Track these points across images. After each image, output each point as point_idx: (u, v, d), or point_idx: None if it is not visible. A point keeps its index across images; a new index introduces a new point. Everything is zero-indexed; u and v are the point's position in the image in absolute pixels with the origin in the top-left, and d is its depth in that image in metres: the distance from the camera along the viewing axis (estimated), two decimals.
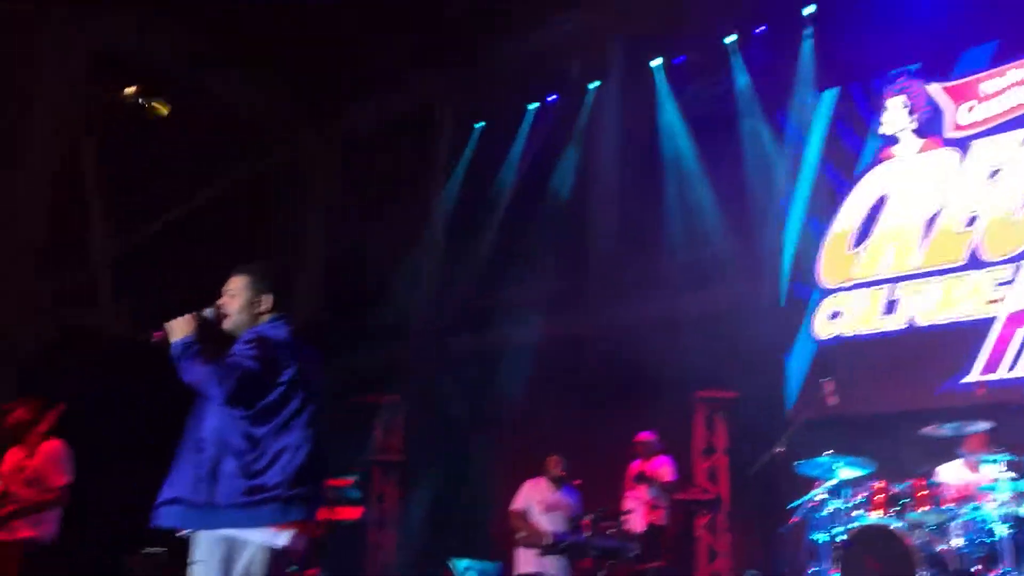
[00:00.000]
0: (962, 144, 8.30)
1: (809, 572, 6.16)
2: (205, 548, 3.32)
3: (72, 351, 10.36)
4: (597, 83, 10.96)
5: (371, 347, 11.74)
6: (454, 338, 11.64)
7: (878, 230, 8.61)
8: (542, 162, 11.30)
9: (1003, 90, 8.16)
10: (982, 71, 8.32)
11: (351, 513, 8.53)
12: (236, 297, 3.65)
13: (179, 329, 3.48)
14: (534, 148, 11.49)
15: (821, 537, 6.14)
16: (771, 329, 9.02)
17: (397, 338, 11.81)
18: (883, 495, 6.06)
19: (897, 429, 7.27)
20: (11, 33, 10.22)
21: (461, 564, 8.76)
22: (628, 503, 7.73)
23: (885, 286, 8.43)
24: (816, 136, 9.31)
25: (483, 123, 11.92)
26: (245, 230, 11.54)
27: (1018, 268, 7.70)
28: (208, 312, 3.60)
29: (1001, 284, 7.75)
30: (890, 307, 8.33)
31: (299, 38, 10.74)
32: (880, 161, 8.77)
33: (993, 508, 5.68)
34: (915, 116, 8.58)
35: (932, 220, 8.31)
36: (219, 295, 3.71)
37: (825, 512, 6.19)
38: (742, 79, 9.87)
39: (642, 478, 7.82)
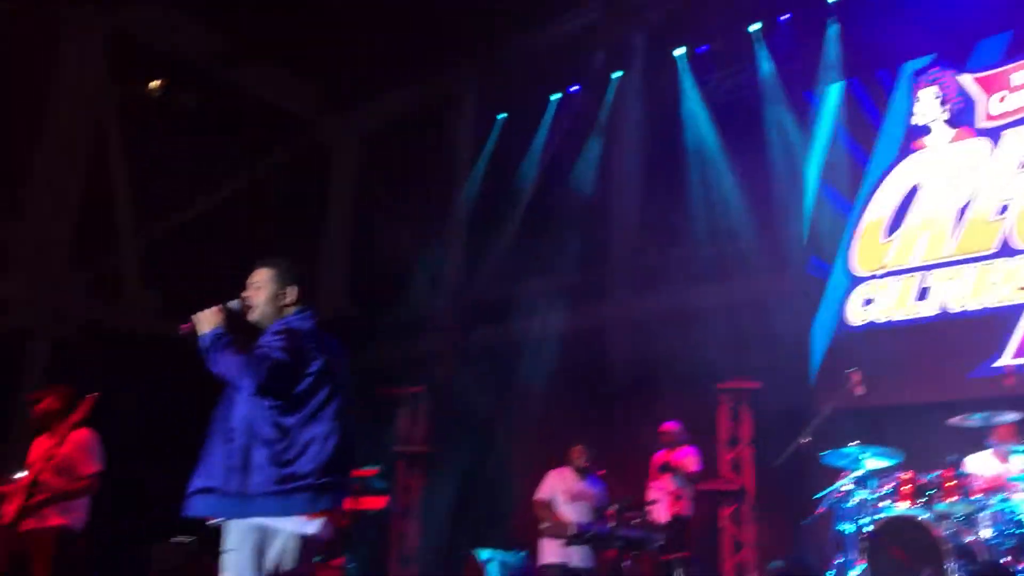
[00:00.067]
0: (994, 134, 8.28)
1: (835, 563, 6.12)
2: (237, 536, 3.35)
3: (101, 341, 10.47)
4: (620, 73, 10.91)
5: (394, 339, 11.78)
6: (477, 330, 11.65)
7: (911, 219, 8.60)
8: (564, 153, 11.27)
9: None
10: (1009, 62, 8.29)
11: (375, 503, 8.58)
12: (261, 289, 3.68)
13: (207, 321, 3.51)
14: (556, 139, 11.46)
15: (847, 528, 6.09)
16: (796, 319, 8.98)
17: (420, 330, 11.84)
18: (910, 486, 5.99)
19: (925, 419, 7.21)
20: (35, 27, 10.32)
21: (484, 554, 8.79)
22: (652, 493, 7.72)
23: (918, 274, 8.44)
24: (839, 122, 9.24)
25: (505, 114, 11.89)
26: (268, 223, 11.60)
27: None
28: (234, 304, 3.63)
29: None
30: (922, 294, 8.36)
31: (322, 30, 10.77)
32: (912, 151, 8.75)
33: (1022, 499, 5.63)
34: (947, 106, 8.58)
35: (964, 209, 8.31)
36: (244, 287, 3.74)
37: (851, 503, 6.13)
38: (766, 68, 9.80)
39: (667, 468, 7.81)
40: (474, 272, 11.86)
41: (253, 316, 3.67)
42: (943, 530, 5.62)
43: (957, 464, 6.03)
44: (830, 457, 6.31)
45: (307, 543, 3.38)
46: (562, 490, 6.84)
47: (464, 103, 12.40)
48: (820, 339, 8.90)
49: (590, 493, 6.85)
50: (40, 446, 5.60)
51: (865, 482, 6.18)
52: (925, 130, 8.71)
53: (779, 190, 9.58)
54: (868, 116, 9.11)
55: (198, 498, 3.42)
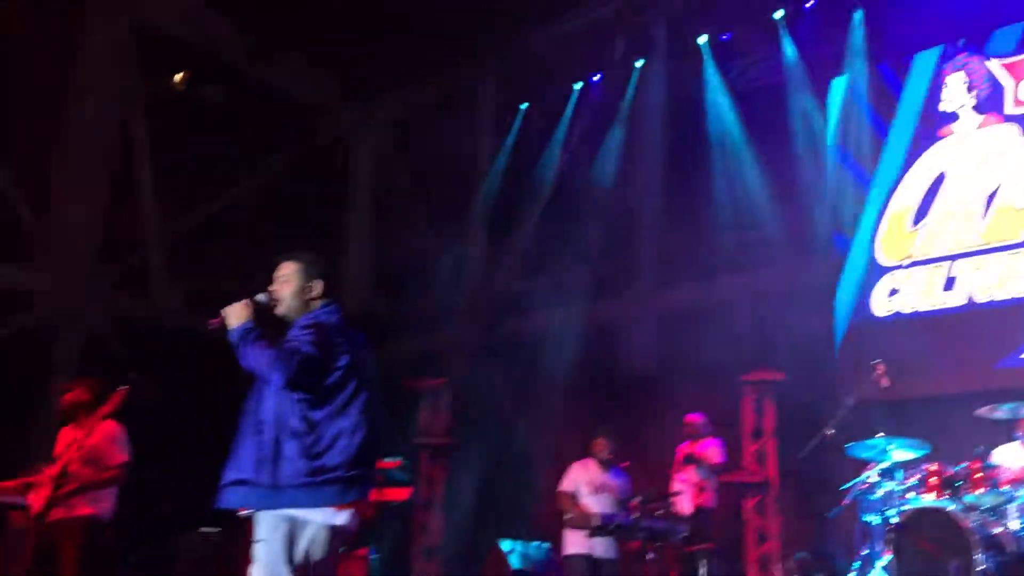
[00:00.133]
0: (1022, 120, 8.16)
1: (861, 554, 6.08)
2: (268, 527, 3.40)
3: (128, 335, 10.57)
4: (642, 61, 10.84)
5: (417, 332, 11.81)
6: (499, 322, 11.65)
7: (937, 208, 8.51)
8: (586, 143, 11.24)
9: None
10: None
11: (398, 494, 8.62)
12: (288, 283, 3.71)
13: (236, 315, 3.54)
14: (578, 129, 11.42)
15: (873, 519, 6.06)
16: (820, 310, 8.92)
17: (442, 323, 11.86)
18: (937, 477, 5.95)
19: (952, 410, 7.15)
20: (60, 20, 10.41)
21: (507, 545, 8.82)
22: (676, 485, 7.70)
23: (944, 263, 8.35)
24: (865, 106, 9.17)
25: (527, 104, 11.86)
26: (292, 216, 11.65)
27: None
28: (262, 297, 3.66)
29: None
30: (949, 284, 8.26)
31: (343, 22, 10.78)
32: (939, 138, 8.64)
33: None
34: (974, 93, 8.46)
35: (992, 197, 8.21)
36: (270, 280, 3.76)
37: (877, 494, 6.09)
38: (790, 55, 9.71)
39: (690, 460, 7.80)
40: (496, 264, 11.86)
41: (280, 310, 3.71)
42: (971, 522, 5.57)
43: (984, 455, 5.97)
44: (856, 449, 6.27)
45: (336, 534, 3.44)
46: (585, 482, 6.84)
47: (485, 93, 12.38)
48: (839, 324, 8.84)
49: (613, 485, 6.84)
50: (67, 437, 5.66)
51: (891, 473, 6.14)
52: (952, 117, 8.60)
53: (803, 178, 9.49)
54: (895, 101, 9.01)
55: (231, 490, 3.47)
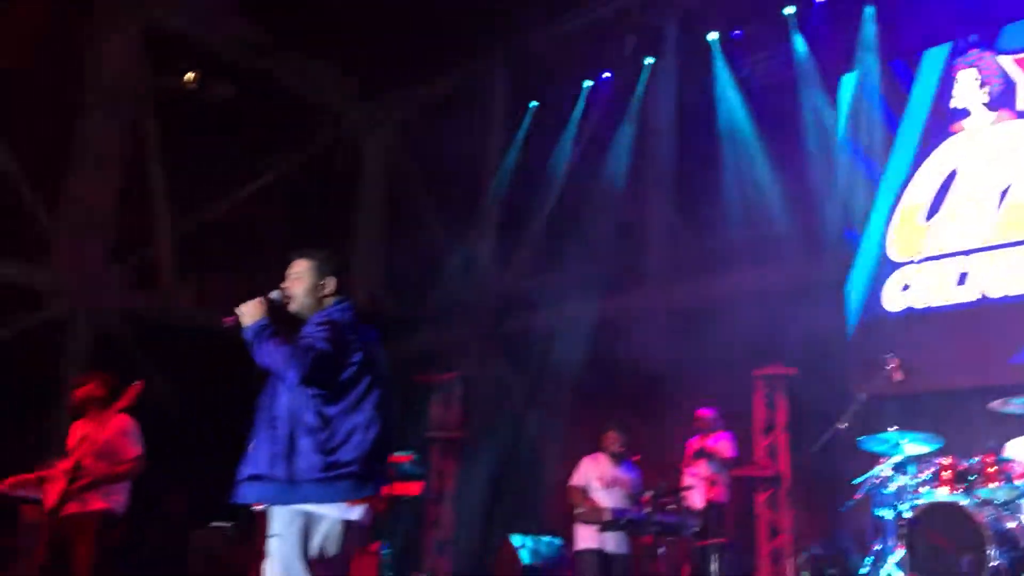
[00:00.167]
0: None
1: (874, 549, 6.07)
2: (283, 521, 3.42)
3: (139, 331, 10.62)
4: (652, 59, 10.83)
5: (428, 327, 11.83)
6: (510, 317, 11.66)
7: (949, 204, 8.48)
8: (597, 140, 11.23)
9: None
10: None
11: (410, 488, 8.64)
12: (300, 280, 3.73)
13: (251, 313, 3.56)
14: (589, 126, 11.42)
15: (886, 514, 6.05)
16: (832, 305, 8.90)
17: (454, 318, 11.87)
18: (951, 471, 5.92)
19: (965, 405, 7.13)
20: (72, 20, 10.45)
21: (518, 540, 8.83)
22: (687, 479, 7.70)
23: (957, 259, 8.32)
24: (875, 104, 9.14)
25: (536, 103, 11.86)
26: (302, 213, 11.69)
27: None
28: (275, 295, 3.68)
29: None
30: (962, 279, 8.23)
31: (353, 20, 10.79)
32: (951, 134, 8.60)
33: None
34: (986, 89, 8.42)
35: (1005, 193, 8.17)
36: (282, 278, 3.77)
37: (890, 488, 6.08)
38: (801, 51, 9.68)
39: (702, 454, 7.79)
40: (507, 260, 11.86)
41: (293, 307, 3.73)
42: (984, 516, 5.55)
43: (998, 449, 5.94)
44: (868, 443, 6.25)
45: (350, 528, 3.46)
46: (596, 476, 6.83)
47: (495, 91, 12.38)
48: (851, 319, 8.82)
49: (625, 479, 6.84)
50: (79, 431, 5.68)
51: (904, 468, 6.13)
52: (964, 113, 8.56)
53: (814, 175, 9.47)
54: (905, 97, 8.98)
55: (246, 485, 3.50)
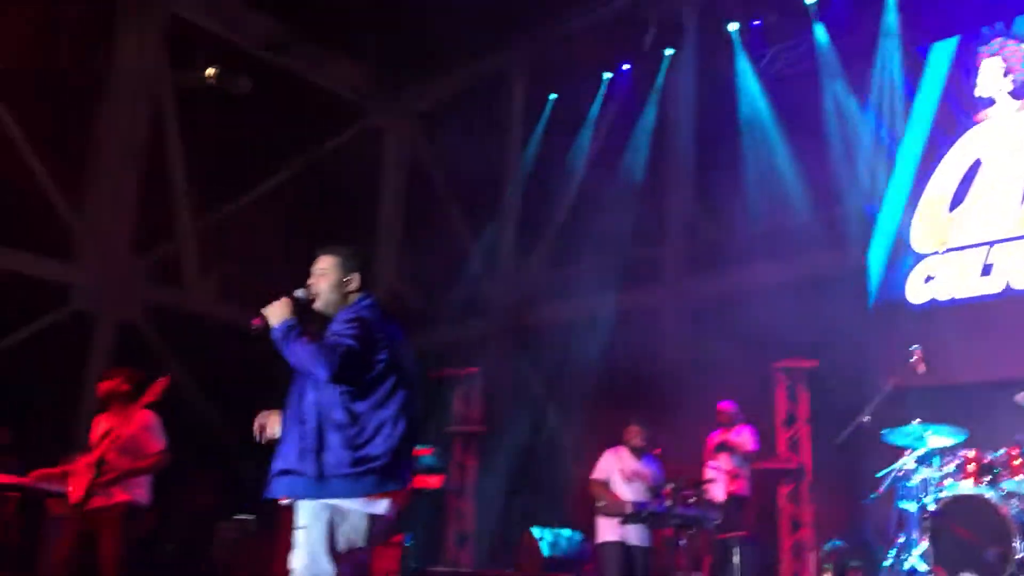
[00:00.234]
0: None
1: (897, 542, 6.03)
2: (310, 514, 3.45)
3: (163, 325, 10.70)
4: (672, 50, 10.78)
5: (449, 321, 11.85)
6: (531, 310, 11.66)
7: (973, 194, 8.38)
8: (617, 132, 11.20)
9: None
10: None
11: (432, 481, 8.67)
12: (325, 276, 3.74)
13: (277, 314, 3.57)
14: (609, 118, 11.38)
15: (910, 506, 6.01)
16: (853, 296, 8.84)
17: (474, 311, 11.89)
18: (975, 464, 5.88)
19: (990, 397, 7.05)
20: (93, 14, 10.52)
21: (538, 533, 8.84)
22: (709, 472, 7.67)
23: (981, 249, 8.23)
24: (900, 95, 9.06)
25: (556, 95, 11.84)
26: (323, 206, 11.73)
27: None
28: (300, 293, 3.70)
29: None
30: (986, 270, 8.14)
31: (374, 12, 10.82)
32: (975, 123, 8.51)
33: None
34: (1011, 77, 8.32)
35: None
36: (304, 272, 3.79)
37: (914, 481, 6.05)
38: (823, 41, 9.61)
39: (723, 447, 7.76)
40: (528, 253, 11.86)
41: (318, 304, 3.74)
42: (1009, 509, 5.51)
43: (1023, 442, 5.89)
44: (892, 435, 6.22)
45: (376, 522, 3.49)
46: (618, 469, 6.82)
47: (515, 83, 12.37)
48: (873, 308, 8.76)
49: (646, 472, 6.82)
50: (102, 425, 5.72)
51: (928, 460, 6.10)
52: (988, 102, 8.47)
53: (835, 165, 9.40)
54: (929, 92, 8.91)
55: (277, 480, 3.53)
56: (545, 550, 8.83)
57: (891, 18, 9.18)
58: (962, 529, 5.64)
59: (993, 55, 8.48)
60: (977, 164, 8.42)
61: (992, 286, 8.09)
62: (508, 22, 11.26)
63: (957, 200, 8.48)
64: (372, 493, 3.45)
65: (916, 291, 8.57)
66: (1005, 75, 8.39)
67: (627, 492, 6.69)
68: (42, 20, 9.69)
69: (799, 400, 9.04)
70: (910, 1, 9.09)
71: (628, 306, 10.41)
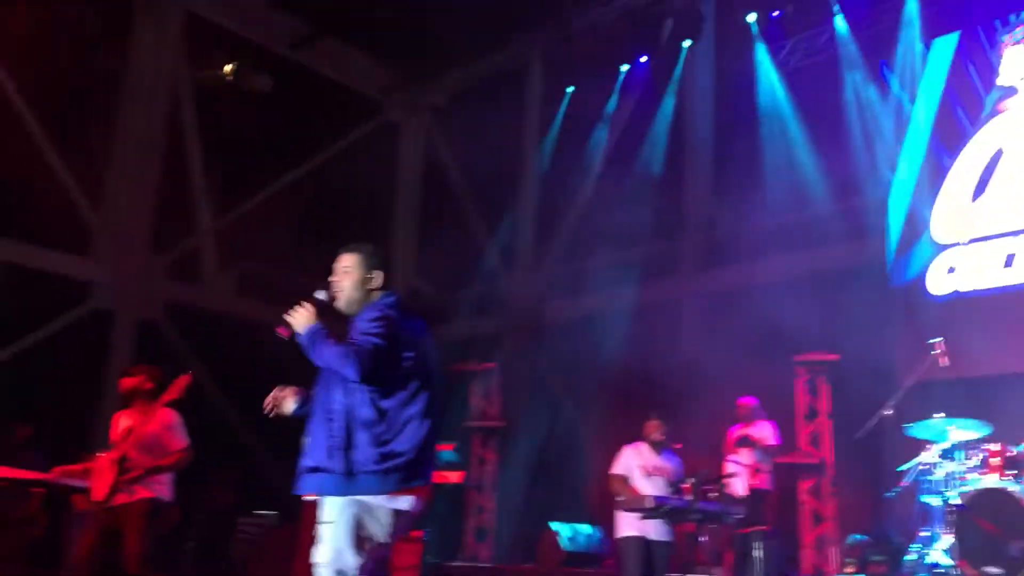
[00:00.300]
0: None
1: (920, 536, 5.99)
2: (336, 509, 3.47)
3: (181, 321, 10.76)
4: (690, 42, 10.71)
5: (467, 315, 11.85)
6: (549, 304, 11.64)
7: (995, 184, 8.28)
8: (634, 124, 11.15)
9: None
10: None
11: (452, 477, 8.68)
12: (349, 274, 3.75)
13: (302, 320, 3.59)
14: (627, 110, 11.33)
15: (933, 501, 5.95)
16: (874, 289, 8.77)
17: (492, 306, 11.88)
18: (999, 457, 5.83)
19: (1014, 389, 6.99)
20: (112, 12, 10.57)
21: (558, 528, 8.84)
22: (729, 467, 7.63)
23: (1003, 240, 8.13)
24: (923, 87, 8.96)
25: (573, 87, 11.79)
26: (341, 201, 11.75)
27: None
28: (321, 295, 3.70)
29: None
30: (1009, 261, 8.04)
31: (390, 7, 10.81)
32: (996, 113, 8.41)
33: None
34: None
35: None
36: (318, 268, 3.79)
37: (937, 475, 5.99)
38: (843, 31, 9.52)
39: (744, 442, 7.72)
40: (547, 246, 11.83)
41: (340, 302, 3.75)
42: None
43: None
44: (915, 429, 6.16)
45: (400, 517, 3.51)
46: (638, 465, 6.78)
47: (531, 77, 12.34)
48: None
49: (666, 468, 6.78)
50: (123, 423, 5.76)
51: (951, 454, 6.03)
52: (1011, 91, 8.37)
53: (856, 156, 9.32)
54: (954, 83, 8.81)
55: (306, 477, 3.56)
56: (565, 545, 8.83)
57: (911, 7, 9.08)
58: (986, 523, 5.59)
59: (1016, 43, 8.37)
60: (999, 154, 8.33)
61: (1015, 277, 8.00)
62: (524, 15, 11.23)
63: (979, 190, 8.39)
64: (399, 489, 3.47)
65: (938, 283, 8.48)
66: None
67: (647, 487, 6.66)
68: (61, 19, 9.73)
69: (820, 394, 8.99)
70: None
71: (646, 300, 10.37)
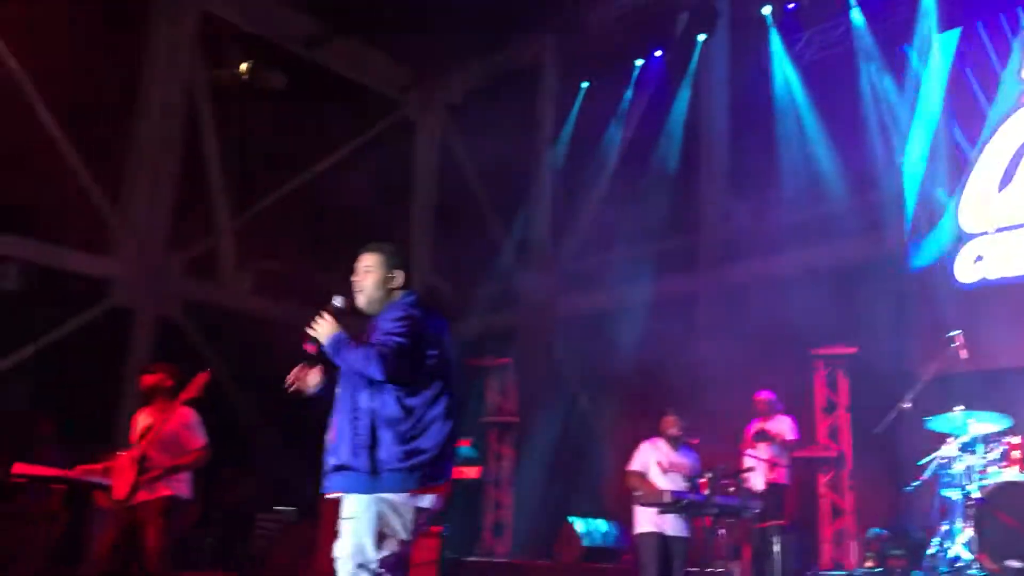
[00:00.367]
0: None
1: (940, 530, 5.95)
2: (358, 506, 3.50)
3: (200, 320, 10.81)
4: (705, 35, 10.67)
5: (483, 311, 11.86)
6: (565, 299, 11.64)
7: (1021, 174, 8.18)
8: (649, 119, 11.12)
9: None
10: None
11: (470, 472, 8.69)
12: (370, 274, 3.77)
13: (325, 332, 3.62)
14: (641, 105, 11.30)
15: (953, 494, 5.92)
16: (892, 282, 8.72)
17: (509, 301, 11.89)
18: (1020, 451, 5.80)
19: None
20: (128, 11, 10.63)
21: (576, 523, 8.84)
22: (747, 462, 7.62)
23: None
24: (940, 79, 8.89)
25: (588, 83, 11.77)
26: (357, 199, 11.77)
27: None
28: (338, 302, 3.72)
29: None
30: None
31: (403, 6, 10.81)
32: (1021, 106, 8.31)
33: None
34: None
35: None
36: (335, 266, 3.80)
37: (957, 468, 5.95)
38: (859, 23, 9.46)
39: (762, 436, 7.70)
40: (562, 241, 11.83)
41: (360, 302, 3.77)
42: None
43: None
44: (934, 422, 6.13)
45: (421, 514, 3.54)
46: (655, 460, 6.78)
47: (546, 73, 12.33)
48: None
49: (684, 463, 6.78)
50: (142, 422, 5.80)
51: (971, 447, 6.00)
52: None
53: (873, 149, 9.26)
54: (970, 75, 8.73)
55: (332, 476, 3.59)
56: (584, 540, 8.83)
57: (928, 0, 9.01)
58: (1007, 516, 5.56)
59: None
60: None
61: None
62: (538, 11, 11.21)
63: (1005, 181, 8.30)
64: (420, 487, 3.50)
65: (965, 271, 8.37)
66: None
67: (665, 483, 6.65)
68: (77, 19, 9.79)
69: (839, 387, 8.95)
70: None
71: (661, 295, 10.35)
